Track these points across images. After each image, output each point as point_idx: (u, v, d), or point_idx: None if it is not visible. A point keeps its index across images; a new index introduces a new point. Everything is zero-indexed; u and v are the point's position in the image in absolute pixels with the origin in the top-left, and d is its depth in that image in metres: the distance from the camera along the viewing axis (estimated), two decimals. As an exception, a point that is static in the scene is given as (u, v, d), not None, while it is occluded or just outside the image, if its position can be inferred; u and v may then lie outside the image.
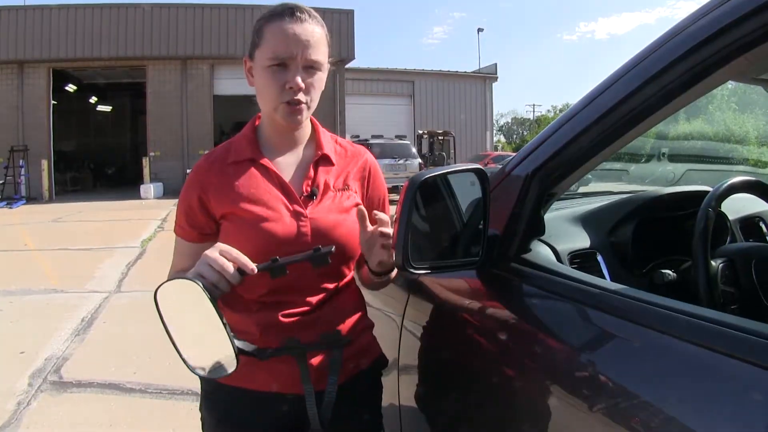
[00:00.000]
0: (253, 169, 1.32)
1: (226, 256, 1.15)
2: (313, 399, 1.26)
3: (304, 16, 1.26)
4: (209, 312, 1.10)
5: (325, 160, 1.36)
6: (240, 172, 1.31)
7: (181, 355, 1.15)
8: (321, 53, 1.28)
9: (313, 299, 1.31)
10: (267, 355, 1.23)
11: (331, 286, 1.34)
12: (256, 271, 1.16)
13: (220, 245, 1.17)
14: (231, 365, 1.14)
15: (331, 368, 1.29)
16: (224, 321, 1.11)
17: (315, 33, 1.27)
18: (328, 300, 1.33)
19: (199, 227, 1.33)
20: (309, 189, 1.32)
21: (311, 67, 1.27)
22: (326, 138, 1.41)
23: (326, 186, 1.34)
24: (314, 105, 1.31)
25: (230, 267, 1.14)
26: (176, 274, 1.29)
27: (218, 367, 1.16)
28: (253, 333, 1.28)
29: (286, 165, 1.35)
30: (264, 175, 1.32)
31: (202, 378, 1.36)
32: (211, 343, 1.14)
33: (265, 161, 1.33)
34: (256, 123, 1.40)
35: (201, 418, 1.41)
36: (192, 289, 1.10)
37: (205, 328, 1.12)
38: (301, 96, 1.26)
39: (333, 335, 1.30)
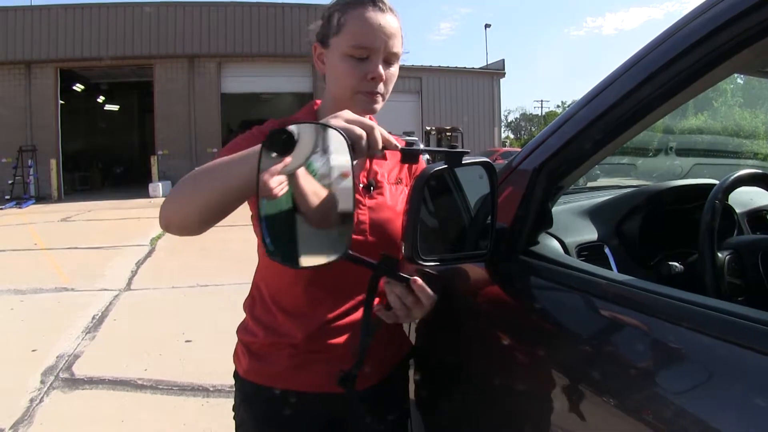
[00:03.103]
0: None
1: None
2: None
3: (386, 7, 1.24)
4: (342, 177, 0.93)
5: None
6: None
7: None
8: (399, 46, 1.27)
9: (355, 300, 1.30)
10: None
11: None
12: (399, 147, 1.06)
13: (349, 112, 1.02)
14: (333, 255, 0.95)
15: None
16: (355, 198, 0.93)
17: (395, 25, 1.25)
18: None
19: None
20: (366, 180, 1.32)
21: (390, 59, 1.26)
22: None
23: (382, 179, 1.34)
24: (387, 96, 1.29)
25: (379, 136, 1.00)
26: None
27: (321, 249, 0.96)
28: (293, 336, 1.28)
29: None
30: None
31: (240, 378, 1.35)
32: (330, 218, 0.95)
33: None
34: (315, 108, 1.37)
35: (235, 418, 1.38)
36: (333, 144, 0.92)
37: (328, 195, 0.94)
38: (381, 87, 1.25)
39: None
